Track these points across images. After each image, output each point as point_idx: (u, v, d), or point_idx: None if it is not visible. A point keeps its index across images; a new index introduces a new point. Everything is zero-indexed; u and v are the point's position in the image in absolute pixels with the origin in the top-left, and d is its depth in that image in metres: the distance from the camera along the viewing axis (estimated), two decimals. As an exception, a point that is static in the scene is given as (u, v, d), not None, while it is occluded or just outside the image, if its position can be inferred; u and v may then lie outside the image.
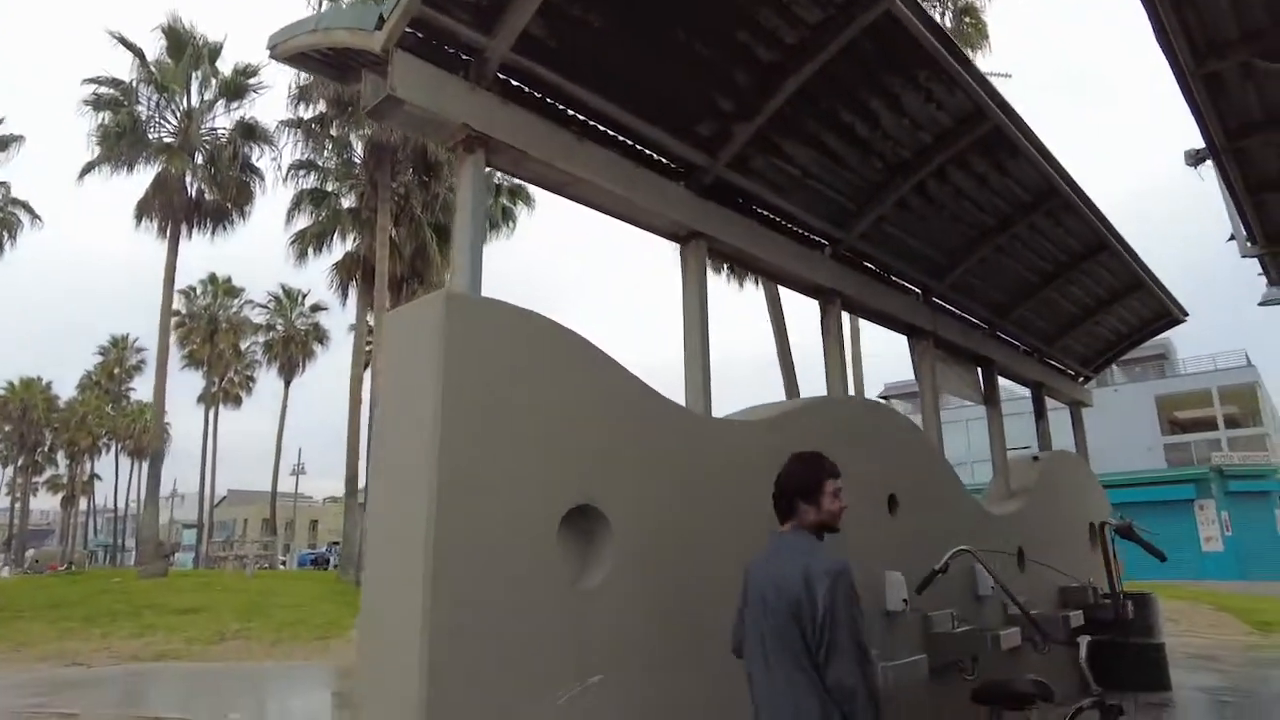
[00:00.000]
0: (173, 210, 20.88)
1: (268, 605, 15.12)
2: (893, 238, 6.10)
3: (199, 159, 21.83)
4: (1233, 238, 8.38)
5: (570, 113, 3.97)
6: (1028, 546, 7.29)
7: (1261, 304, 18.31)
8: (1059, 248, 7.38)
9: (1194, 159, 6.63)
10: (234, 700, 8.67)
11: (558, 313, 3.30)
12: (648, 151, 4.37)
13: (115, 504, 66.30)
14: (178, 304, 38.32)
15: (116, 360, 58.27)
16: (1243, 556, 27.27)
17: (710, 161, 4.58)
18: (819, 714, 2.44)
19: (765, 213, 5.19)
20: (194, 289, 40.92)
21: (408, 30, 3.31)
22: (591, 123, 4.04)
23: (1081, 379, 10.58)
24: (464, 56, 3.50)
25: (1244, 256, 8.41)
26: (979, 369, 8.03)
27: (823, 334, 5.70)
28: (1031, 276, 7.67)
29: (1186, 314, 9.84)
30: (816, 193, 5.31)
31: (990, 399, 8.02)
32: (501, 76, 3.65)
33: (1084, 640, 3.37)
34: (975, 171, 5.84)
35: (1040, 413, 9.34)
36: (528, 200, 23.24)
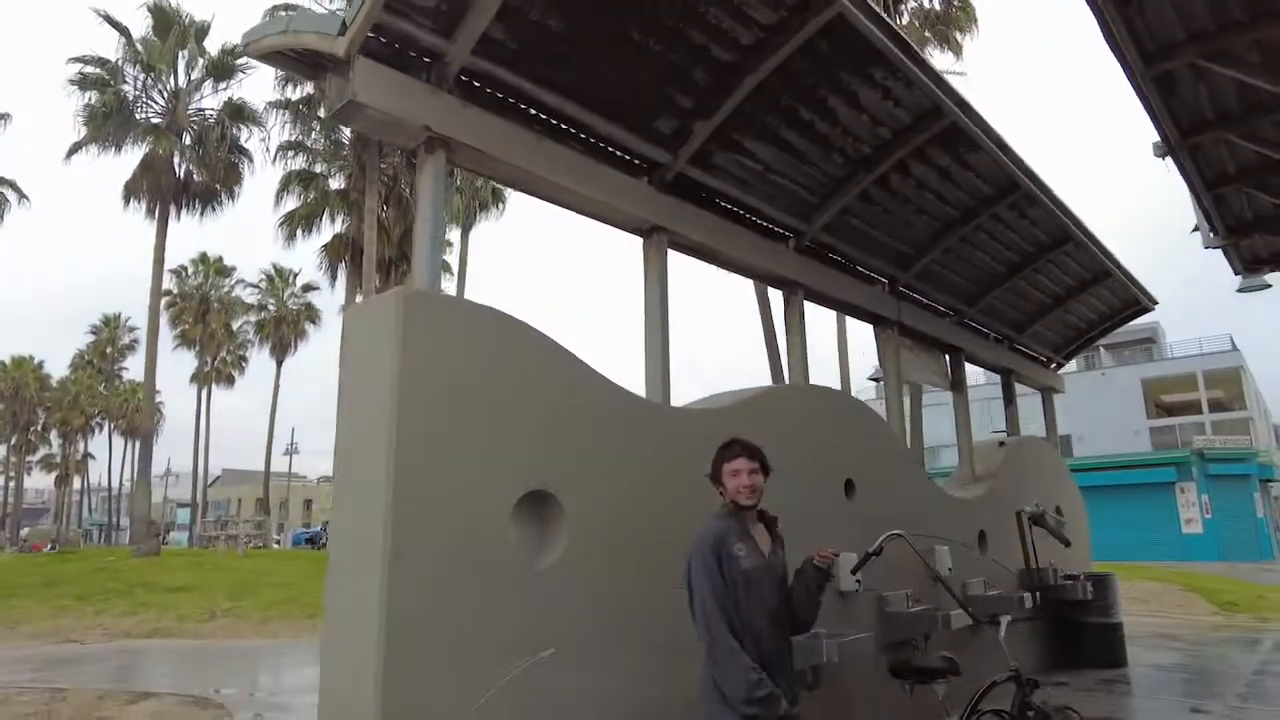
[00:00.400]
0: (160, 191, 20.87)
1: (258, 584, 15.36)
2: (856, 230, 6.26)
3: (187, 139, 21.80)
4: (1196, 229, 8.58)
5: (532, 112, 4.12)
6: (991, 530, 7.53)
7: (1240, 290, 18.55)
8: (1025, 239, 7.56)
9: (1162, 151, 6.79)
10: (223, 676, 8.91)
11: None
12: (609, 149, 4.51)
13: (109, 483, 66.49)
14: (169, 284, 38.33)
15: (109, 339, 58.20)
16: (1221, 539, 27.73)
17: (671, 158, 4.73)
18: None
19: (729, 207, 5.35)
20: (185, 268, 40.88)
21: (370, 35, 3.45)
22: (553, 122, 4.19)
23: (1054, 365, 10.79)
24: (425, 60, 3.63)
25: (1207, 248, 8.62)
26: (947, 356, 8.23)
27: (785, 324, 5.88)
28: (998, 266, 7.85)
29: (1156, 302, 10.04)
30: (779, 187, 5.47)
31: (957, 385, 8.22)
32: (464, 79, 3.79)
33: (1004, 619, 3.58)
34: (936, 165, 6.00)
35: (1009, 399, 9.56)
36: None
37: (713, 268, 5.61)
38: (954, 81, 5.36)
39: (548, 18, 3.78)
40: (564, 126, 4.24)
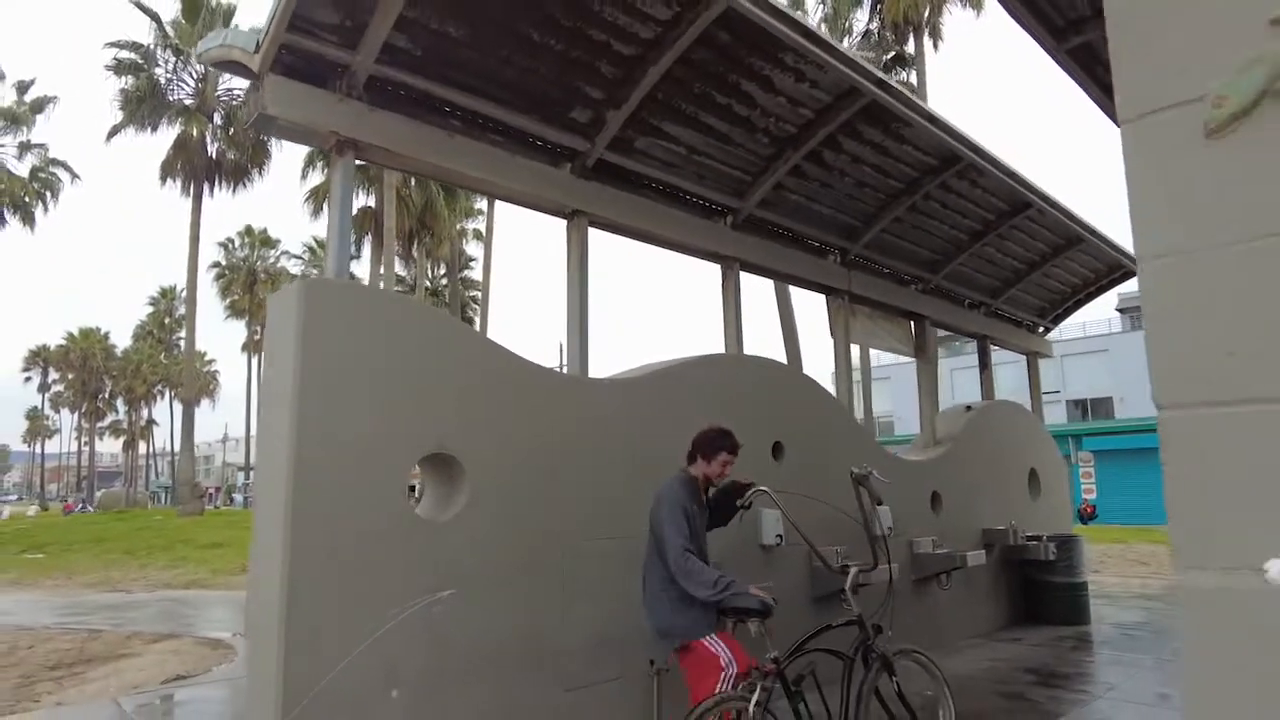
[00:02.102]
0: (194, 170, 21.81)
1: (291, 540, 16.39)
2: (796, 204, 6.53)
3: (216, 119, 22.67)
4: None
5: (447, 110, 4.51)
6: (947, 491, 7.81)
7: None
8: (982, 206, 7.70)
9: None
10: (241, 620, 9.74)
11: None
12: (527, 140, 4.88)
13: (172, 448, 69.78)
14: (218, 256, 39.82)
15: (166, 310, 60.67)
16: (1259, 501, 27.08)
17: (589, 145, 5.08)
18: (666, 587, 3.60)
19: (658, 188, 5.68)
20: (231, 241, 42.43)
21: (282, 50, 3.87)
22: (466, 119, 4.57)
23: (1041, 329, 10.86)
24: (336, 70, 4.04)
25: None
26: (911, 324, 8.45)
27: (722, 297, 6.22)
28: (959, 234, 8.01)
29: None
30: (706, 167, 5.77)
31: (921, 351, 8.44)
32: (375, 84, 4.19)
33: (852, 569, 3.93)
34: (869, 140, 6.21)
35: (984, 364, 9.72)
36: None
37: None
38: (931, 77, 5.55)
39: (446, 25, 4.15)
40: (477, 123, 4.62)
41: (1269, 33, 1.08)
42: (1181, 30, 1.18)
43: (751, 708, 3.01)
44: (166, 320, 62.24)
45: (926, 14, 20.74)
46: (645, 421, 4.99)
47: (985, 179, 7.13)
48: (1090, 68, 5.76)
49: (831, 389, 7.30)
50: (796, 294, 17.60)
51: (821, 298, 7.38)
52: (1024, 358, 10.82)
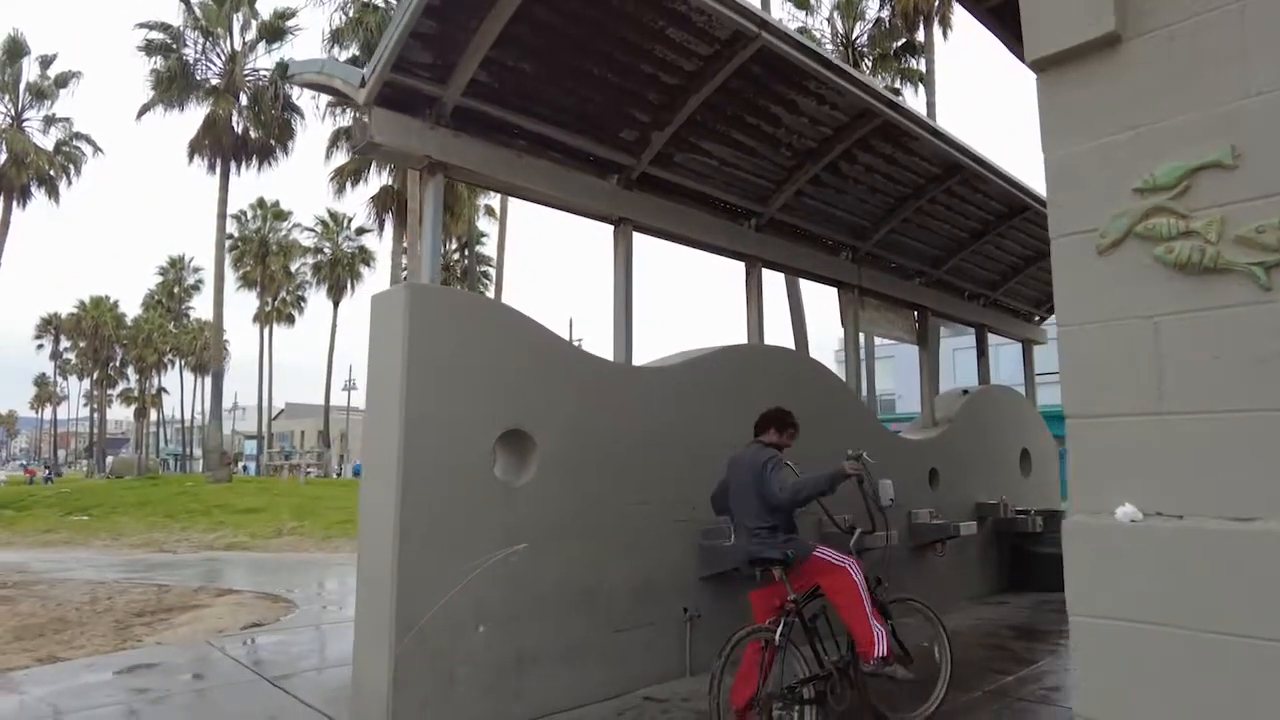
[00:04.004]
0: (221, 148, 22.40)
1: (319, 508, 17.26)
2: (813, 209, 7.21)
3: (243, 99, 23.21)
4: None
5: (514, 132, 5.19)
6: (944, 467, 8.57)
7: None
8: (982, 209, 8.38)
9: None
10: (291, 580, 10.59)
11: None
12: (580, 156, 5.57)
13: (182, 416, 70.89)
14: (231, 228, 40.38)
15: (175, 280, 61.34)
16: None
17: (635, 161, 5.76)
18: (765, 522, 4.21)
19: (691, 196, 6.37)
20: (244, 213, 42.95)
21: (385, 86, 4.55)
22: (531, 139, 5.26)
23: (1036, 319, 11.56)
24: (426, 101, 4.72)
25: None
26: (914, 314, 9.15)
27: (745, 292, 6.93)
28: (960, 234, 8.69)
29: (1133, 260, 10.68)
30: (735, 177, 6.46)
31: (923, 340, 9.16)
32: (459, 112, 4.87)
33: (857, 530, 4.65)
34: (881, 152, 6.88)
35: (981, 350, 10.43)
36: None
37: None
38: (940, 66, 6.20)
39: (522, 63, 4.82)
40: (541, 143, 5.31)
41: (1131, 196, 1.78)
42: (1089, 186, 1.88)
43: (777, 637, 3.76)
44: (175, 290, 62.89)
45: (937, 3, 21.17)
46: (681, 403, 5.73)
47: (986, 185, 7.79)
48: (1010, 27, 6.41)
49: (835, 369, 8.03)
50: (802, 283, 18.27)
51: (825, 288, 8.09)
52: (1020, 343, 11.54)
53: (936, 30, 21.20)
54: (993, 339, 10.80)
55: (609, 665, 5.01)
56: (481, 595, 4.42)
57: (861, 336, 10.34)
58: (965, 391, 9.57)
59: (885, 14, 21.49)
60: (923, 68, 21.50)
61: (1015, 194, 7.98)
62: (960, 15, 21.78)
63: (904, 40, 22.38)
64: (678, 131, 5.70)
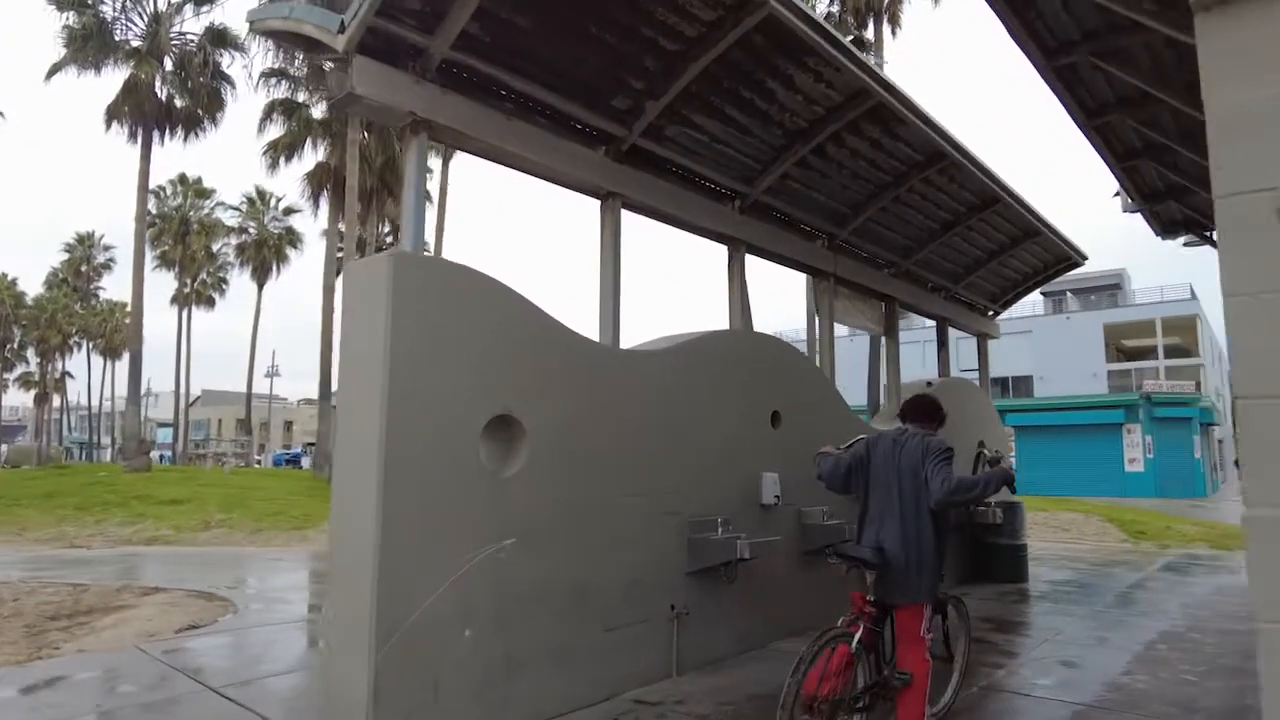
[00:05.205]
0: (143, 116, 20.89)
1: (248, 499, 16.32)
2: (796, 192, 7.01)
3: (168, 64, 21.70)
4: (1118, 194, 9.40)
5: (503, 94, 4.79)
6: (911, 459, 8.52)
7: (1185, 245, 19.47)
8: (956, 200, 8.34)
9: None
10: (223, 576, 9.87)
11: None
12: (570, 124, 5.20)
13: (89, 401, 66.87)
14: (149, 205, 38.04)
15: (83, 257, 57.67)
16: (1160, 476, 29.46)
17: (626, 132, 5.43)
18: (935, 547, 3.74)
19: (679, 173, 6.06)
20: (164, 189, 40.53)
21: (368, 32, 4.09)
22: (520, 103, 4.86)
23: (991, 313, 11.70)
24: (411, 53, 4.28)
25: (1125, 211, 9.45)
26: (882, 305, 9.09)
27: (728, 277, 6.67)
28: (932, 224, 8.64)
29: (1085, 257, 10.91)
30: (724, 155, 6.19)
31: (889, 331, 9.10)
32: (444, 68, 4.44)
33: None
34: (868, 137, 6.72)
35: (942, 343, 10.48)
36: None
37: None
38: (895, 55, 6.03)
39: (516, 15, 4.43)
40: (530, 105, 4.92)
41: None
42: (1265, 138, 1.67)
43: (854, 644, 3.52)
44: (84, 268, 59.15)
45: (887, 1, 21.37)
46: (671, 389, 5.44)
47: (963, 175, 7.74)
48: (1070, 85, 6.39)
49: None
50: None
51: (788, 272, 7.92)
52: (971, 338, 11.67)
53: (886, 28, 21.41)
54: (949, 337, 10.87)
55: (598, 667, 4.70)
56: (469, 595, 4.04)
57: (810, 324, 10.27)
58: (929, 384, 9.56)
59: (835, 9, 21.57)
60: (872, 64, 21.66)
61: (989, 185, 7.96)
62: (910, 13, 22.06)
63: (853, 37, 22.51)
64: (672, 103, 5.39)
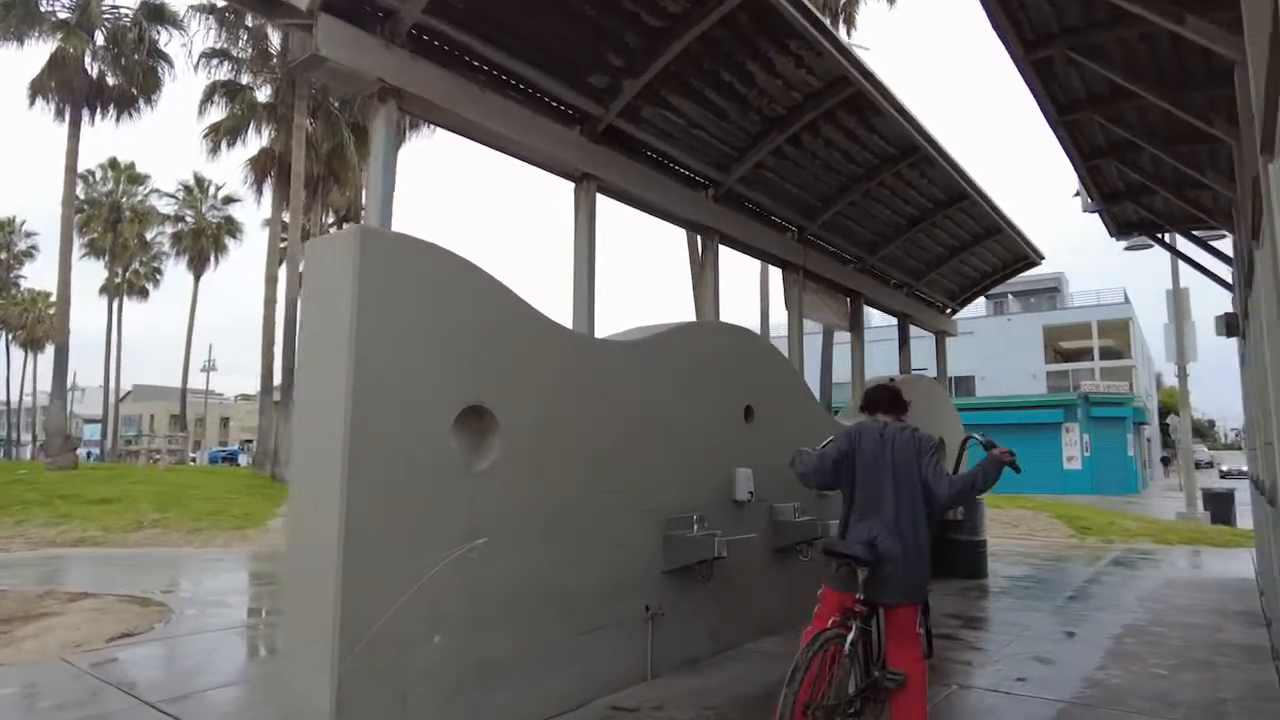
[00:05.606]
0: (71, 93, 19.68)
1: (184, 497, 15.53)
2: (770, 182, 6.86)
3: (100, 39, 20.52)
4: (1078, 193, 9.52)
5: (476, 64, 4.50)
6: (876, 455, 8.48)
7: (1127, 248, 19.98)
8: (924, 195, 8.31)
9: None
10: (158, 580, 9.30)
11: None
12: (546, 100, 4.94)
13: (8, 396, 63.41)
14: (77, 190, 36.20)
15: (3, 244, 54.62)
16: (1096, 474, 30.46)
17: (602, 111, 5.19)
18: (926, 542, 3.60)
19: (654, 157, 5.85)
20: (93, 173, 38.55)
21: (329, -10, 3.77)
22: (495, 74, 4.59)
23: (949, 311, 11.80)
24: (380, 16, 3.98)
25: (1085, 211, 9.58)
26: (848, 300, 9.03)
27: (701, 267, 6.49)
28: (899, 220, 8.61)
29: (1042, 256, 11.06)
30: (701, 140, 6.00)
31: (855, 327, 9.05)
32: (415, 34, 4.14)
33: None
34: (844, 127, 6.61)
35: (904, 340, 10.49)
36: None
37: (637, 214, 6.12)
38: (861, 54, 5.93)
39: (493, -20, 4.15)
40: (505, 79, 4.65)
41: None
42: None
43: (847, 645, 3.34)
44: (3, 255, 56.02)
45: (844, 1, 21.52)
46: (647, 381, 5.22)
47: (934, 170, 7.71)
48: (1045, 79, 6.38)
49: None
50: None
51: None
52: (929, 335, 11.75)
53: (842, 29, 21.54)
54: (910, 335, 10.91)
55: (571, 672, 4.46)
56: (438, 599, 3.76)
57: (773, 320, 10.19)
58: (892, 379, 9.55)
59: (794, 8, 21.61)
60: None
61: (958, 182, 7.95)
62: (865, 14, 22.24)
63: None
64: (651, 82, 5.18)
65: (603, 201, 5.54)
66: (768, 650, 5.70)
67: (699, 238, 19.31)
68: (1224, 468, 47.73)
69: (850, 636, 3.43)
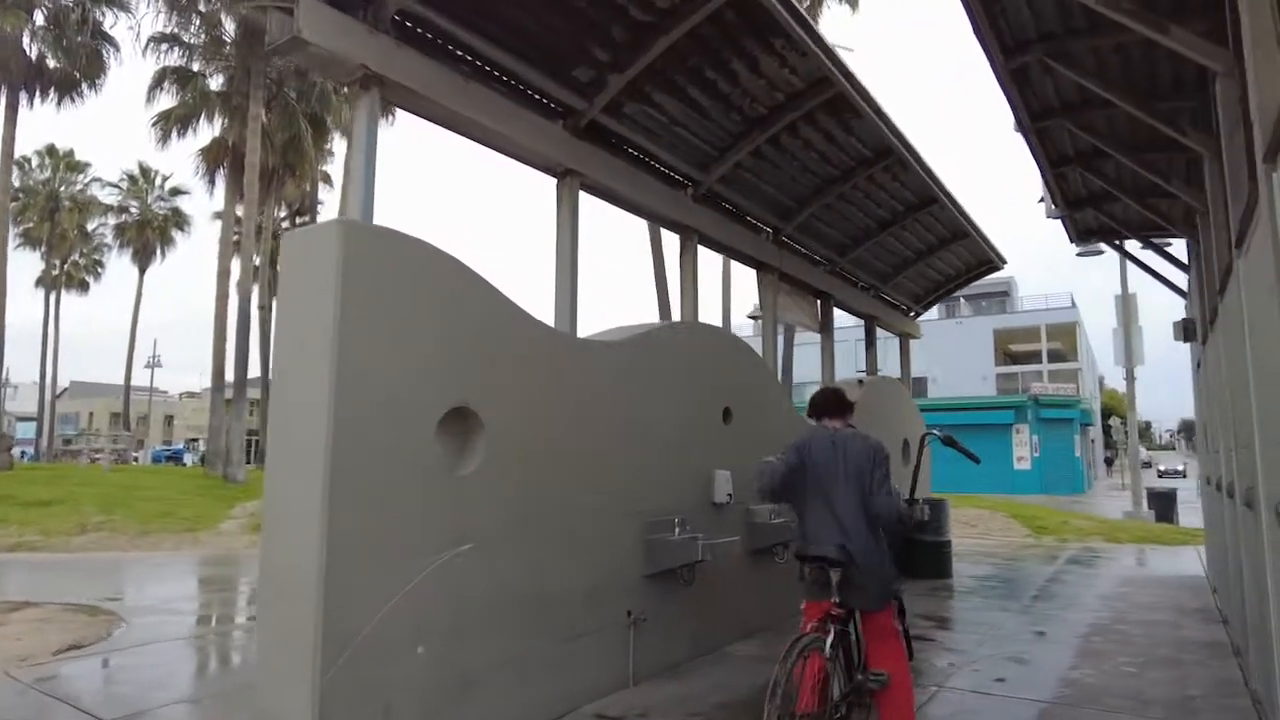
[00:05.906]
0: (8, 74, 18.77)
1: (131, 498, 14.93)
2: (748, 183, 6.83)
3: (40, 19, 19.62)
4: (1043, 200, 9.70)
5: (460, 53, 4.36)
6: (847, 456, 8.52)
7: (1079, 254, 20.46)
8: (895, 198, 8.38)
9: (1018, 129, 7.64)
10: (105, 586, 8.89)
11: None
12: (529, 93, 4.82)
13: (-66, 392, 60.40)
14: (12, 177, 34.63)
15: (-68, 233, 52.04)
16: (1045, 474, 31.31)
17: (586, 105, 5.09)
18: (868, 521, 3.61)
19: (635, 154, 5.77)
20: (28, 159, 36.90)
21: (310, -29, 3.60)
22: (479, 65, 4.45)
23: (912, 313, 11.95)
24: (362, 1, 3.82)
25: (1049, 217, 9.78)
26: (819, 302, 9.06)
27: (680, 266, 6.43)
28: (870, 222, 8.67)
29: (1005, 261, 11.25)
30: (682, 139, 5.93)
31: (825, 328, 9.09)
32: (398, 20, 3.99)
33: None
34: (823, 128, 6.61)
35: (870, 342, 10.59)
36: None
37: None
38: (843, 55, 5.92)
39: (480, -33, 4.02)
40: (489, 70, 4.51)
41: None
42: None
43: (826, 649, 3.29)
44: (-68, 245, 53.34)
45: (807, 4, 21.68)
46: (630, 382, 5.13)
47: (906, 174, 7.76)
48: (1020, 86, 6.46)
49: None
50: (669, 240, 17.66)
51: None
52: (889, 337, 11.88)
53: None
54: (853, 335, 11.04)
55: (555, 680, 4.35)
56: (422, 607, 3.61)
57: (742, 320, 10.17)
58: (861, 381, 9.63)
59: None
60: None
61: (929, 186, 8.02)
62: (827, 17, 22.48)
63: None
64: (635, 78, 5.10)
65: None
66: (747, 654, 5.66)
67: (663, 237, 19.24)
68: (1161, 467, 49.68)
69: (829, 640, 3.38)
